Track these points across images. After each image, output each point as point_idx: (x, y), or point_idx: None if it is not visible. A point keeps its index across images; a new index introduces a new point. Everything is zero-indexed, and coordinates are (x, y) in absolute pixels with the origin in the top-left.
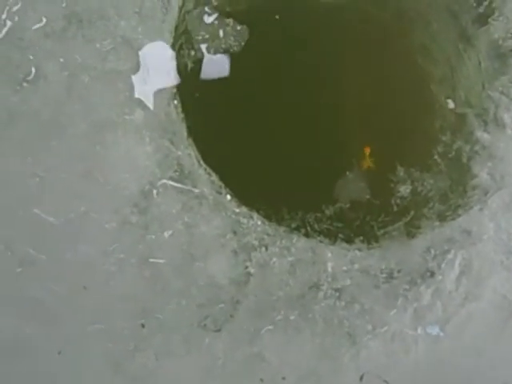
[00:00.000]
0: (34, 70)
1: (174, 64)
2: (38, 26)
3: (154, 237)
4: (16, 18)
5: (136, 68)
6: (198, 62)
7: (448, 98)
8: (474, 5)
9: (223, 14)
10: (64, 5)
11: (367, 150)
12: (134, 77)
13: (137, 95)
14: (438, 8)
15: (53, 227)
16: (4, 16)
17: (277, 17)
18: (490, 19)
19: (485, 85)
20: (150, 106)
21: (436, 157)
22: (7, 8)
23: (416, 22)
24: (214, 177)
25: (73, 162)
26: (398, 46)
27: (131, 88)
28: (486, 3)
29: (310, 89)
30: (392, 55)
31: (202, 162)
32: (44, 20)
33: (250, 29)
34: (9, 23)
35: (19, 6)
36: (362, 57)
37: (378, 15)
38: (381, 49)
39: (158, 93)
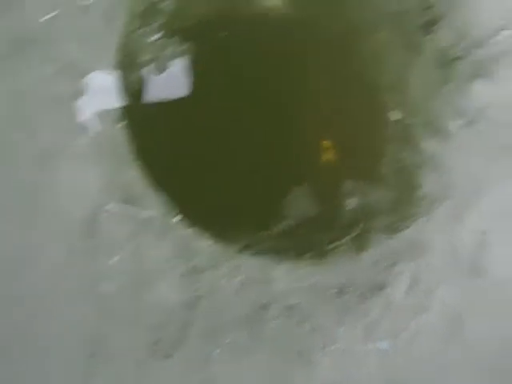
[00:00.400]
0: None
1: (118, 85)
2: None
3: (101, 263)
4: None
5: (80, 92)
6: (144, 82)
7: (393, 108)
8: (420, 13)
9: (169, 33)
10: (6, 28)
11: (326, 143)
12: (78, 101)
13: (81, 119)
14: (386, 16)
15: None
16: None
17: (225, 33)
18: (435, 27)
19: (431, 94)
20: (95, 129)
21: (383, 168)
22: None
23: (364, 31)
24: (162, 199)
25: (16, 191)
26: (346, 56)
27: (75, 112)
28: (431, 11)
29: (256, 106)
30: (340, 65)
31: (149, 184)
32: None
33: (197, 47)
34: None
35: None
36: (311, 68)
37: (325, 25)
38: (328, 59)
39: (103, 116)
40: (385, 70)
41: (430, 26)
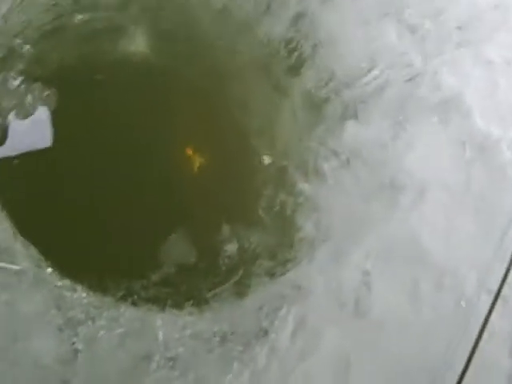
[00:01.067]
0: None
1: None
2: None
3: None
4: None
5: None
6: (5, 130)
7: (264, 154)
8: (285, 55)
9: (30, 78)
10: None
11: (189, 151)
12: None
13: None
14: (251, 62)
15: None
16: None
17: (88, 78)
18: (301, 69)
19: (302, 135)
20: None
21: (260, 212)
22: None
23: (228, 78)
24: (33, 250)
25: None
26: (213, 103)
27: None
28: (296, 54)
29: (127, 154)
30: (208, 112)
31: (18, 235)
32: None
33: (60, 92)
34: None
35: None
36: (179, 116)
37: (187, 73)
38: (195, 107)
39: None
40: (252, 115)
41: (296, 68)
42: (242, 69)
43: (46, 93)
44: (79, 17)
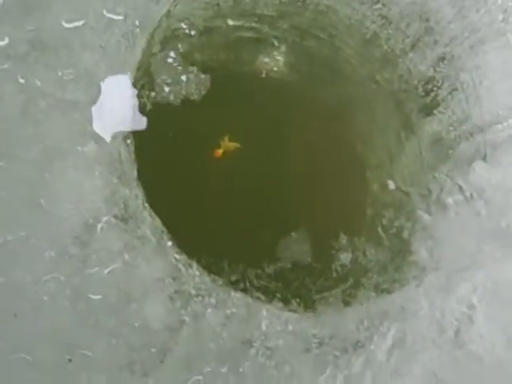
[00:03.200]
0: None
1: (133, 103)
2: (0, 46)
3: (91, 271)
4: None
5: (95, 101)
6: (158, 104)
7: (390, 178)
8: (422, 94)
9: (188, 61)
10: (30, 29)
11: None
12: (93, 109)
13: (94, 128)
14: (383, 95)
15: None
16: None
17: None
18: (435, 110)
19: (429, 168)
20: (105, 140)
21: (379, 230)
22: None
23: (360, 108)
24: (158, 221)
25: (19, 185)
26: (339, 130)
27: (87, 120)
28: (433, 94)
29: (258, 152)
30: (332, 137)
31: (146, 204)
32: (7, 41)
33: (212, 80)
34: None
35: None
36: (305, 134)
37: (322, 97)
38: (322, 130)
39: (114, 129)
40: (374, 148)
41: (430, 108)
42: (375, 100)
43: (201, 76)
44: (231, 22)
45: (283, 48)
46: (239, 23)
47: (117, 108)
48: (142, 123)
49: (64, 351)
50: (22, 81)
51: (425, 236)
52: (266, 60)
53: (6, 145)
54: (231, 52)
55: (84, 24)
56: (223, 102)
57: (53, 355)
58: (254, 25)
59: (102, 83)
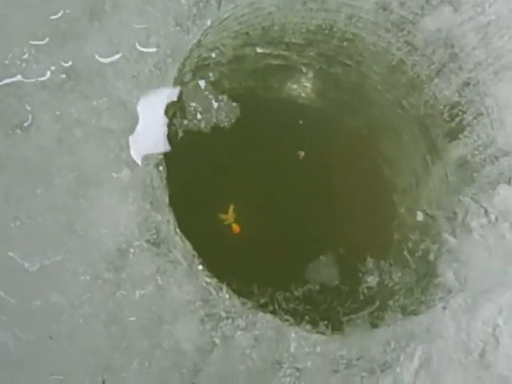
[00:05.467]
0: (29, 118)
1: (165, 130)
2: (38, 77)
3: (125, 294)
4: (18, 67)
5: (129, 128)
6: (189, 131)
7: (418, 209)
8: (447, 119)
9: (217, 89)
10: (66, 60)
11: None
12: (127, 136)
13: (127, 155)
14: (409, 120)
15: (26, 272)
16: (7, 63)
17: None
18: (460, 135)
19: (454, 191)
20: (138, 167)
21: (405, 252)
22: (10, 55)
23: (387, 134)
24: (189, 245)
25: (56, 211)
26: (366, 154)
27: (121, 147)
28: (458, 119)
29: (286, 178)
30: (359, 162)
31: (178, 229)
32: (45, 72)
33: (241, 106)
34: (10, 70)
35: (23, 55)
36: (332, 158)
37: (349, 122)
38: (349, 155)
39: (147, 156)
40: (401, 172)
41: (455, 133)
42: (401, 126)
43: (232, 105)
44: (259, 50)
45: (311, 74)
46: (268, 51)
47: (150, 135)
48: (173, 150)
49: (98, 373)
50: (58, 111)
51: (450, 258)
52: (294, 86)
53: (43, 172)
54: (260, 79)
55: (118, 55)
56: (252, 129)
57: (87, 377)
58: (282, 52)
59: (135, 111)
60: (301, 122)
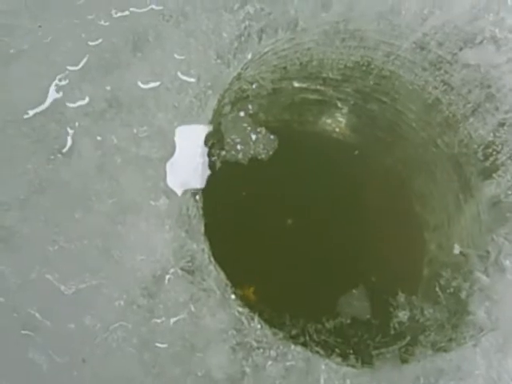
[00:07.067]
0: (69, 143)
1: (203, 161)
2: (80, 103)
3: (158, 321)
4: (61, 93)
5: (168, 157)
6: (227, 162)
7: (451, 246)
8: (481, 158)
9: (256, 123)
10: (108, 88)
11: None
12: (166, 165)
13: (164, 183)
14: (443, 158)
15: (62, 295)
16: (51, 89)
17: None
18: (494, 174)
19: (486, 230)
20: (176, 196)
21: (437, 289)
22: (55, 82)
23: (419, 170)
24: (223, 275)
25: (93, 236)
26: (399, 191)
27: (160, 175)
28: (492, 158)
29: (320, 211)
30: (392, 198)
31: (212, 258)
32: (87, 99)
33: (280, 141)
34: (54, 96)
35: (66, 82)
36: (365, 193)
37: (383, 158)
38: (382, 191)
39: (184, 185)
40: (433, 210)
41: (489, 172)
42: (434, 163)
43: (270, 137)
44: (296, 84)
45: (346, 110)
46: (304, 85)
47: (188, 165)
48: (210, 180)
49: None
50: (99, 137)
51: (482, 297)
52: (329, 121)
53: (83, 198)
54: (295, 113)
55: (159, 84)
56: (289, 163)
57: None
58: (318, 87)
59: (174, 141)
60: (334, 156)
